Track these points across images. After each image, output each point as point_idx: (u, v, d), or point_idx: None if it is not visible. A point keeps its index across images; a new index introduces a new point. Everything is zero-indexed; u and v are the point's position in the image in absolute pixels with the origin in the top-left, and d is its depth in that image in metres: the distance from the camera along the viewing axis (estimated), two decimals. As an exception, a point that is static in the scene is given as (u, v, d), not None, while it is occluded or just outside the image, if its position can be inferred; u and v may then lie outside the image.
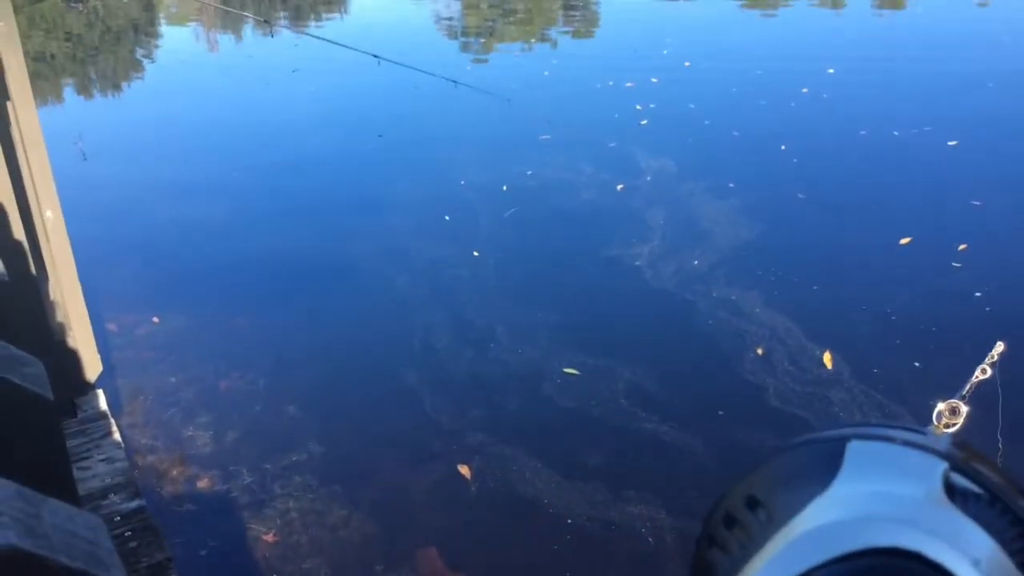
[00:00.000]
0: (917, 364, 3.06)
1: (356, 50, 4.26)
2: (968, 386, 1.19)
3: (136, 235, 4.38)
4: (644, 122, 5.66)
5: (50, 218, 2.57)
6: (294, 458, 2.68)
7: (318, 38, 3.94)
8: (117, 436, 2.54)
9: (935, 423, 1.23)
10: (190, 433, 2.82)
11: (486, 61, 8.15)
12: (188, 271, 3.97)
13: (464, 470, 2.61)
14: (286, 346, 3.33)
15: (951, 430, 1.30)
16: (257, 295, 3.76)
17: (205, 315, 3.56)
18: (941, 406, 1.17)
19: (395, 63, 4.86)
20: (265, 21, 3.28)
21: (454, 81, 5.50)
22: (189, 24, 10.21)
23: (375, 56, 4.31)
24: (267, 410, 2.93)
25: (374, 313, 3.60)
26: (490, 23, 9.85)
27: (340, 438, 2.81)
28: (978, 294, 3.44)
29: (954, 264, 3.69)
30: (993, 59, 6.90)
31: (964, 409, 1.18)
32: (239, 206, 4.71)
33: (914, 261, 3.75)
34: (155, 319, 3.48)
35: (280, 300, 3.70)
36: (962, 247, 3.80)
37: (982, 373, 1.26)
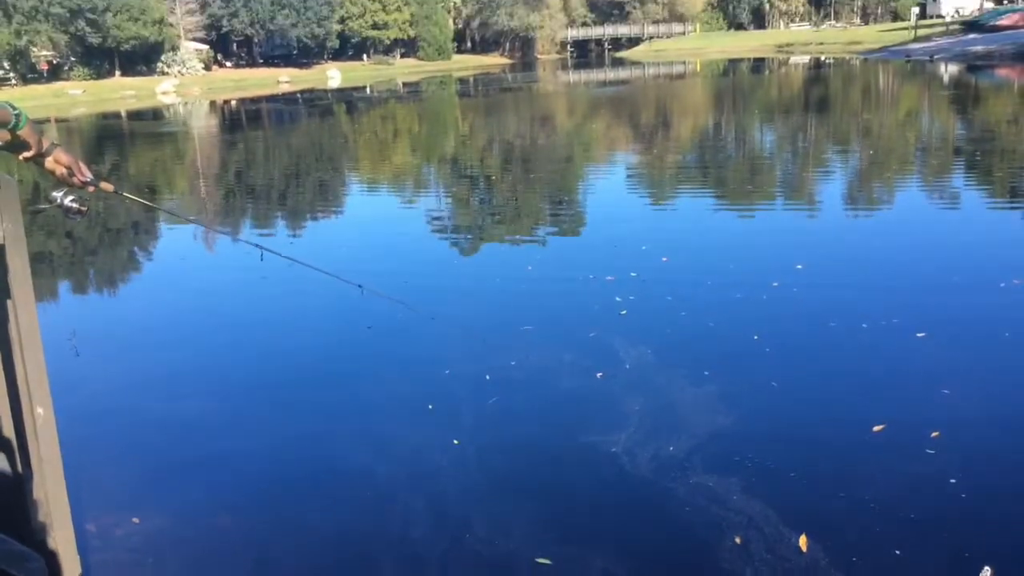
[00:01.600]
0: (897, 552, 3.04)
1: (339, 278, 4.47)
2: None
3: (121, 432, 4.42)
4: (624, 312, 5.85)
5: (40, 415, 2.60)
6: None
7: (307, 265, 4.15)
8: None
9: None
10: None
11: (474, 253, 8.49)
12: (171, 469, 3.97)
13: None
14: (269, 544, 3.29)
15: None
16: (240, 493, 3.74)
17: (186, 515, 3.53)
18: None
19: (378, 294, 5.09)
20: (256, 246, 3.51)
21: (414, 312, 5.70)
22: (190, 223, 10.63)
23: (359, 286, 4.50)
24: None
25: (354, 505, 3.58)
26: (479, 221, 10.30)
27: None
28: (953, 480, 3.46)
29: (928, 451, 3.73)
30: (959, 257, 7.23)
31: None
32: (225, 404, 4.76)
33: (888, 448, 3.79)
34: (135, 519, 3.44)
35: (262, 497, 3.69)
36: (935, 434, 3.85)
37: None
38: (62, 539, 2.64)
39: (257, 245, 3.67)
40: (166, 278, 8.02)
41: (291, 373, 5.19)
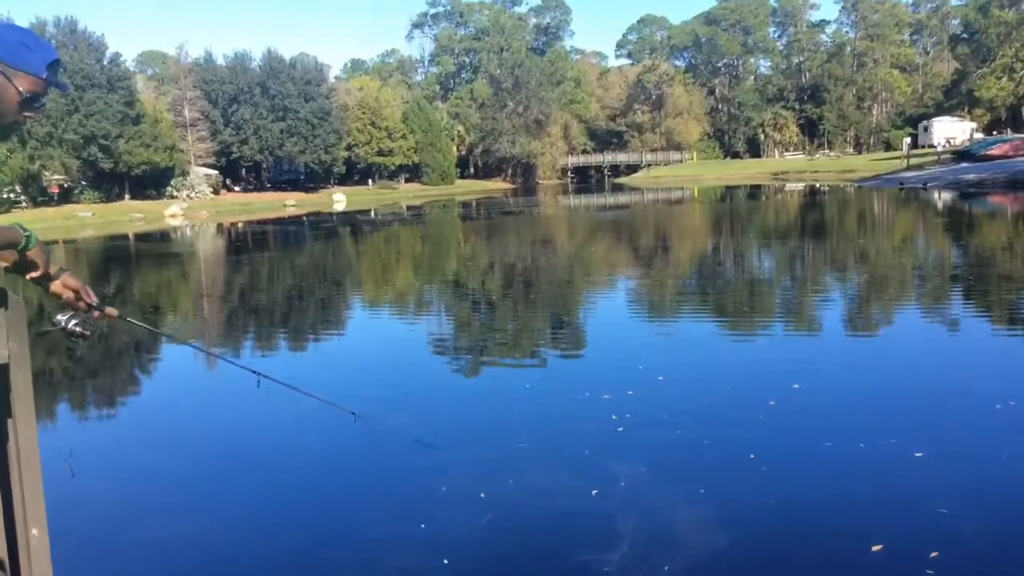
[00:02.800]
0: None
1: (335, 405, 4.50)
2: None
3: (114, 556, 4.36)
4: (620, 429, 5.84)
5: (35, 536, 2.58)
6: None
7: (304, 392, 4.21)
8: None
9: None
10: None
11: (472, 374, 8.51)
12: None
13: None
14: None
15: None
16: None
17: None
18: None
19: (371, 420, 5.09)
20: (254, 372, 3.57)
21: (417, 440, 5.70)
22: (191, 342, 10.70)
23: (353, 413, 4.52)
24: None
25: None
26: (479, 343, 10.36)
27: None
28: (953, 602, 3.40)
29: (927, 571, 3.67)
30: (956, 380, 7.24)
31: None
32: (219, 529, 4.70)
33: (887, 568, 3.73)
34: None
35: None
36: (934, 554, 3.80)
37: None
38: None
39: (254, 371, 3.71)
40: (165, 400, 8.01)
41: (286, 498, 5.11)
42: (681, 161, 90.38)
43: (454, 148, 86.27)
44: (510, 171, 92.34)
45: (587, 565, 3.82)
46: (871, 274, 15.08)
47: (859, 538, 3.98)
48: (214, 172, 67.10)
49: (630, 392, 6.79)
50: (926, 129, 70.08)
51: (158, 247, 32.86)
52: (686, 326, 10.60)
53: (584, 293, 14.52)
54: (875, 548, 3.88)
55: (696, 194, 53.99)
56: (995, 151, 48.89)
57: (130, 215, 52.02)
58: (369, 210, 52.75)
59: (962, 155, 52.32)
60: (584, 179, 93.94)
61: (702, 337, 9.67)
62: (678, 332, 10.29)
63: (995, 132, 65.18)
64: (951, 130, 66.57)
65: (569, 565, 3.87)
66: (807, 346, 9.12)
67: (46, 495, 2.59)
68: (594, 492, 4.72)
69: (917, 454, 5.13)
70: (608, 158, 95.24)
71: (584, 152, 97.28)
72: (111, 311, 2.56)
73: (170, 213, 52.82)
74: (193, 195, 60.68)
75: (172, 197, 59.15)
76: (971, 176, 42.11)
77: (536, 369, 8.50)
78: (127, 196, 57.87)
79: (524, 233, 30.55)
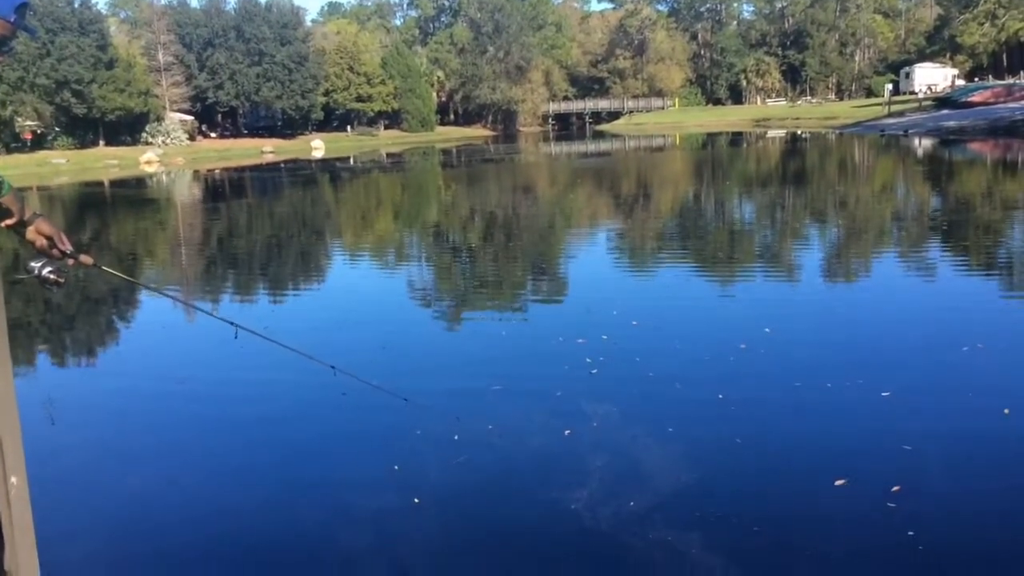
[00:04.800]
0: (857, 605, 3.05)
1: (313, 358, 4.46)
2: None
3: (94, 502, 4.37)
4: (594, 372, 5.91)
5: (14, 484, 2.58)
6: None
7: (281, 344, 4.18)
8: None
9: None
10: None
11: (451, 320, 8.55)
12: (143, 538, 3.92)
13: None
14: None
15: None
16: (211, 560, 3.70)
17: None
18: None
19: (350, 375, 5.04)
20: (231, 323, 3.55)
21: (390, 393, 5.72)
22: (168, 290, 10.66)
23: (332, 367, 4.50)
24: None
25: (317, 568, 3.56)
26: (458, 290, 10.38)
27: None
28: (911, 533, 3.50)
29: (888, 504, 3.77)
30: (925, 322, 7.35)
31: None
32: (198, 474, 4.72)
33: (850, 501, 3.83)
34: None
35: (233, 564, 3.66)
36: (895, 488, 3.90)
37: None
38: (31, 608, 2.59)
39: (231, 322, 3.70)
40: (142, 350, 7.97)
41: (262, 445, 5.10)
42: (663, 108, 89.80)
43: (434, 94, 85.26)
44: (490, 118, 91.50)
45: (557, 502, 3.90)
46: (848, 221, 15.16)
47: (823, 473, 4.08)
48: (189, 118, 66.08)
49: (604, 336, 6.85)
50: (907, 76, 69.84)
51: (134, 194, 32.48)
52: (662, 272, 10.67)
53: (563, 241, 14.54)
54: (838, 483, 3.98)
55: (677, 141, 53.81)
56: (976, 98, 48.91)
57: (105, 162, 51.25)
58: (348, 157, 52.26)
59: (943, 102, 52.30)
60: (565, 126, 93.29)
61: (677, 283, 9.74)
62: (654, 278, 10.36)
63: (976, 79, 65.08)
64: (932, 77, 66.39)
65: (540, 502, 3.94)
66: (780, 291, 9.20)
67: (25, 443, 2.59)
68: (566, 432, 4.79)
69: (884, 394, 5.22)
70: (589, 105, 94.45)
71: (565, 99, 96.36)
72: (86, 259, 2.53)
73: (145, 159, 52.09)
74: (168, 141, 59.81)
75: (147, 143, 58.29)
76: (952, 123, 42.18)
77: (513, 315, 8.55)
78: (101, 142, 56.99)
79: (505, 181, 30.41)
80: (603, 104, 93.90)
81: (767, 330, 6.89)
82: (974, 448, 4.49)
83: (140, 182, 38.40)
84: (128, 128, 58.51)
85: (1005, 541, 3.51)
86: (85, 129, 56.53)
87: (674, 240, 13.71)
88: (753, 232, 14.50)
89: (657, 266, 11.24)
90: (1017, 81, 55.03)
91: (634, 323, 7.37)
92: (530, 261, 12.03)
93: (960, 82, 63.91)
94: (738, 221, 16.48)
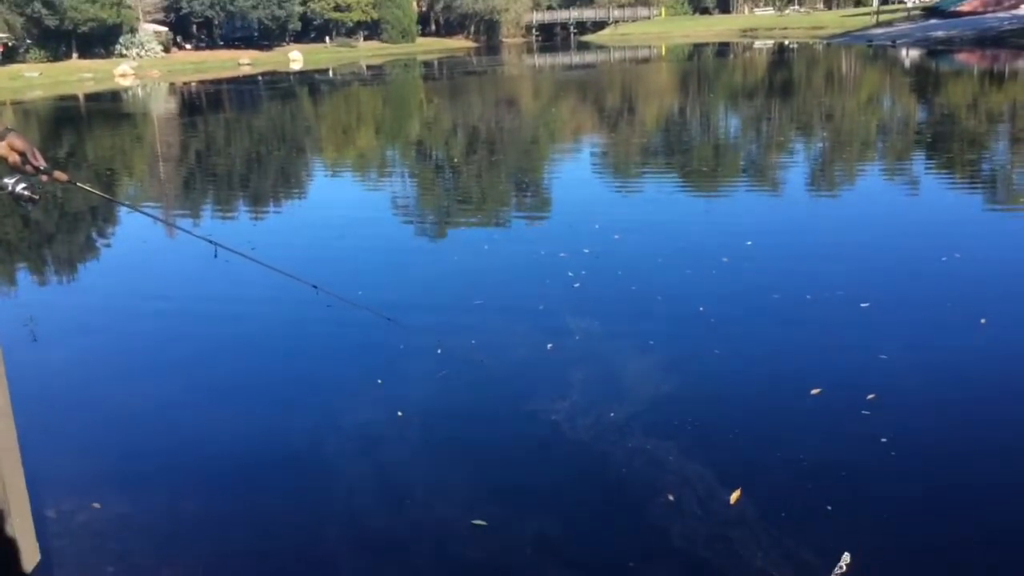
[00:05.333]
0: (829, 508, 3.14)
1: (295, 277, 4.41)
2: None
3: (78, 418, 4.38)
4: (576, 286, 5.93)
5: None
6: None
7: (262, 264, 4.14)
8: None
9: None
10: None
11: (433, 235, 8.53)
12: (129, 455, 3.93)
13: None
14: (228, 522, 3.31)
15: None
16: (199, 476, 3.72)
17: (146, 499, 3.49)
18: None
19: (332, 294, 4.99)
20: (211, 241, 3.49)
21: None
22: (146, 207, 10.55)
23: (314, 286, 4.45)
24: None
25: (303, 477, 3.62)
26: (440, 205, 10.32)
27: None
28: (884, 440, 3.58)
29: (863, 412, 3.85)
30: (906, 234, 7.39)
31: None
32: (182, 390, 4.71)
33: (825, 409, 3.91)
34: (95, 505, 3.42)
35: (221, 477, 3.70)
36: (870, 396, 3.97)
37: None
38: (20, 526, 2.62)
39: (211, 241, 3.65)
40: (121, 267, 7.92)
41: (243, 363, 5.10)
42: (649, 17, 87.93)
43: (414, 3, 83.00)
44: (472, 28, 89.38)
45: (537, 414, 3.95)
46: (833, 133, 15.08)
47: (799, 381, 4.15)
48: (164, 29, 64.21)
49: (586, 250, 6.86)
50: (897, -17, 68.60)
51: (110, 108, 31.81)
52: (645, 186, 10.63)
53: (546, 154, 14.42)
54: (814, 391, 4.05)
55: (663, 53, 52.94)
56: (965, 7, 48.22)
57: (79, 75, 49.98)
58: (327, 69, 51.19)
59: (932, 11, 51.57)
60: (549, 37, 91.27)
61: (660, 196, 9.71)
62: (637, 192, 10.33)
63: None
64: (922, -16, 65.25)
65: (520, 414, 4.00)
66: (763, 205, 9.21)
67: (6, 362, 2.58)
68: (549, 346, 4.83)
69: (863, 304, 5.28)
70: (574, 14, 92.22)
71: (549, 8, 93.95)
72: (60, 175, 2.47)
73: (120, 72, 50.82)
74: (143, 53, 58.26)
75: (121, 56, 56.77)
76: (940, 33, 41.66)
77: (495, 229, 8.53)
78: (75, 55, 55.47)
79: (488, 94, 29.95)
80: (588, 14, 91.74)
81: (749, 243, 6.92)
82: (949, 357, 4.56)
83: (115, 96, 37.55)
84: (101, 40, 56.87)
85: (976, 446, 3.60)
86: (58, 41, 54.92)
87: (657, 154, 13.62)
88: (737, 145, 14.42)
89: (640, 180, 11.19)
90: (1007, -11, 54.17)
91: (616, 237, 7.37)
92: (513, 176, 11.94)
93: (950, -10, 62.82)
94: (722, 134, 16.37)
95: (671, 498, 3.17)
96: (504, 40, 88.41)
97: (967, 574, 2.80)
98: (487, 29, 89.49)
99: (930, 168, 10.93)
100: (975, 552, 2.89)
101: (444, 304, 5.82)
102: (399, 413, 4.08)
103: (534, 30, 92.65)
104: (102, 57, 56.00)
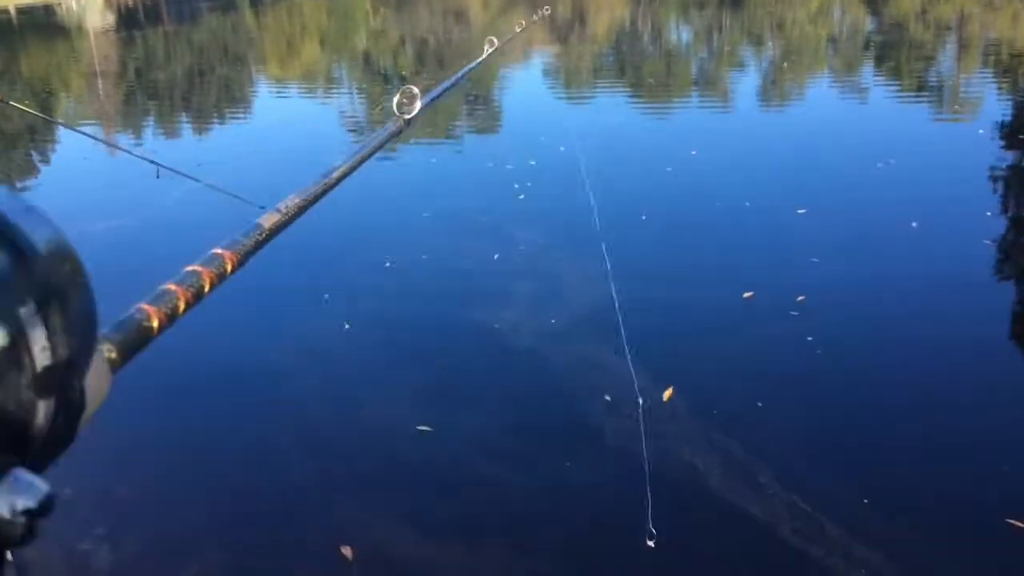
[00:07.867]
0: (760, 404, 3.31)
1: (239, 197, 4.35)
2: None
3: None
4: (521, 197, 6.00)
5: None
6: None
7: (207, 184, 4.09)
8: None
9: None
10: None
11: (387, 153, 8.47)
12: None
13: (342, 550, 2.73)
14: (178, 439, 3.39)
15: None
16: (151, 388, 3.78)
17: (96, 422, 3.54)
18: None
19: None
20: (152, 162, 3.44)
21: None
22: (86, 125, 10.29)
23: (261, 207, 4.38)
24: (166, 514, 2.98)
25: (251, 387, 3.70)
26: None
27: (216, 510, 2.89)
28: (810, 338, 3.76)
29: (792, 313, 4.01)
30: (843, 143, 7.50)
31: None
32: (115, 312, 4.72)
33: (756, 311, 4.07)
34: None
35: (172, 395, 3.76)
36: (800, 298, 4.14)
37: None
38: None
39: (152, 161, 3.61)
40: (62, 190, 7.77)
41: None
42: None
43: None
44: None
45: (484, 321, 4.06)
46: (781, 44, 15.09)
47: (732, 285, 4.30)
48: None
49: (532, 162, 6.90)
50: None
51: (43, 20, 30.51)
52: (593, 98, 10.62)
53: (494, 68, 14.24)
54: (746, 295, 4.20)
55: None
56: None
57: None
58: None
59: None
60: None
61: (607, 108, 9.72)
62: (584, 104, 10.31)
63: None
64: None
65: (465, 323, 4.11)
66: (709, 115, 9.28)
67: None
68: (495, 256, 4.92)
69: (800, 211, 5.43)
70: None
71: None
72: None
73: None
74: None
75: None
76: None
77: (444, 141, 8.50)
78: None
79: (435, 4, 29.24)
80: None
81: (693, 152, 7.01)
82: (877, 259, 4.74)
83: (49, 8, 35.96)
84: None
85: (900, 346, 3.78)
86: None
87: (606, 66, 13.54)
88: (686, 57, 14.38)
89: (588, 92, 11.16)
90: None
91: (561, 148, 7.40)
92: (461, 90, 11.82)
93: None
94: (672, 46, 16.28)
95: (607, 398, 3.32)
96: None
97: (888, 464, 2.98)
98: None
99: (876, 78, 11.05)
100: (892, 442, 3.09)
101: (392, 217, 5.85)
102: (346, 325, 4.14)
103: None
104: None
